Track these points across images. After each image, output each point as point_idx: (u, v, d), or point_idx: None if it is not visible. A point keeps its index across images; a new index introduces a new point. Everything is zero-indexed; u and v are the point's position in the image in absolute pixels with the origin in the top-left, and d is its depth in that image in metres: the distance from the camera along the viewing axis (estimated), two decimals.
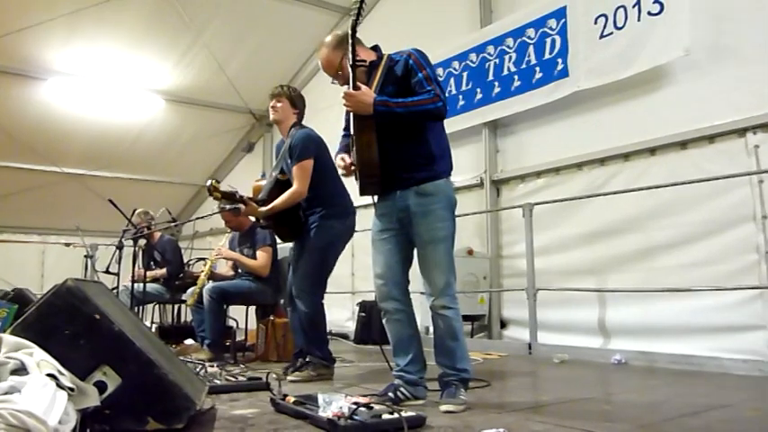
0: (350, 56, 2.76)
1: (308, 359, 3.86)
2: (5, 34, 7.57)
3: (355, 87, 2.73)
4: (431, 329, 2.89)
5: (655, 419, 2.56)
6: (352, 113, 2.79)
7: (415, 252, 2.92)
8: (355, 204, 4.01)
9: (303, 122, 4.15)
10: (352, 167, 2.90)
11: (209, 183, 3.78)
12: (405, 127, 2.80)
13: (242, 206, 3.93)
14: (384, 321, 2.95)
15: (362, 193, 2.91)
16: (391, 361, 2.98)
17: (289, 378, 3.71)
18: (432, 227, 2.80)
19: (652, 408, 2.83)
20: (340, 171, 3.06)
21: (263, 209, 3.86)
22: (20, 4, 7.44)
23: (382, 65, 2.92)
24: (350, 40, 2.76)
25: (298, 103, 4.16)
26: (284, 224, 3.96)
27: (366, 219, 6.75)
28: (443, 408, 2.62)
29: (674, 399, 3.14)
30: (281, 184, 3.91)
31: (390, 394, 2.79)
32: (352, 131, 2.81)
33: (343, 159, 2.96)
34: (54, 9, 7.53)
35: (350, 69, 2.76)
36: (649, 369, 4.28)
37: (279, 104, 4.11)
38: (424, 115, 2.78)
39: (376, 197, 2.98)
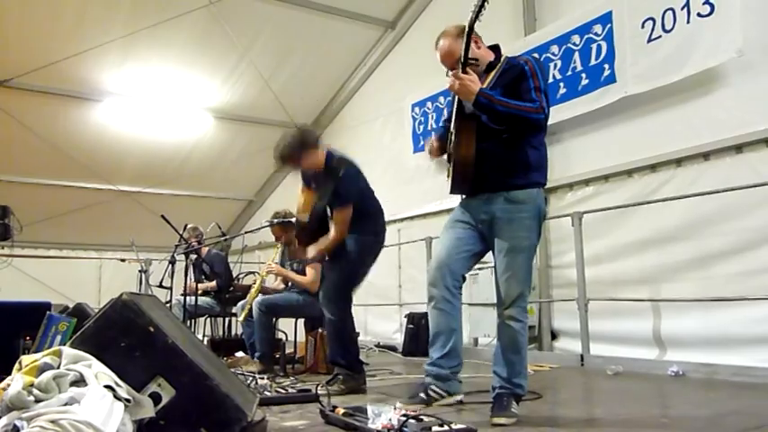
0: (462, 52, 2.72)
1: (336, 371, 3.84)
2: (63, 59, 7.90)
3: (464, 72, 2.69)
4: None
5: None
6: (456, 108, 2.77)
7: (494, 259, 2.86)
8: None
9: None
10: (439, 152, 3.01)
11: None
12: (506, 132, 2.76)
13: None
14: (429, 308, 2.90)
15: (453, 190, 2.89)
16: None
17: (319, 392, 3.63)
18: (515, 235, 2.75)
19: (713, 422, 2.73)
20: (426, 148, 3.11)
21: (311, 254, 4.01)
22: (76, 29, 7.76)
23: (498, 66, 2.91)
24: (465, 39, 2.71)
25: (305, 146, 3.89)
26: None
27: (408, 231, 6.79)
28: (494, 421, 2.59)
29: (736, 412, 3.02)
30: (324, 214, 3.99)
31: (422, 395, 2.75)
32: (452, 127, 2.80)
33: (432, 141, 3.05)
34: (108, 33, 7.82)
35: (463, 57, 2.71)
36: (709, 381, 4.12)
37: (299, 164, 3.95)
38: (522, 121, 2.72)
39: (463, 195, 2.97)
